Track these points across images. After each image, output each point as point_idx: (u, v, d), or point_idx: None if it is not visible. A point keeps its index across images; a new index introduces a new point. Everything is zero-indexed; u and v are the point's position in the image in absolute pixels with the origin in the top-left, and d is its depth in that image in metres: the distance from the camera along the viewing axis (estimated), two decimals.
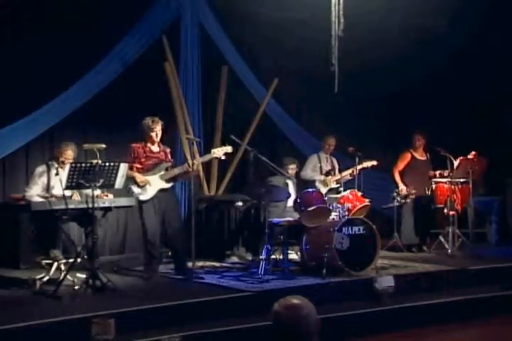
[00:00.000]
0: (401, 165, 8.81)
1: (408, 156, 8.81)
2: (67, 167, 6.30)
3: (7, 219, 7.26)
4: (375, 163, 8.45)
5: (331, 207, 7.23)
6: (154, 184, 6.77)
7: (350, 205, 7.44)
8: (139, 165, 6.77)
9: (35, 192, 6.61)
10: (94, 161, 6.04)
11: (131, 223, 8.22)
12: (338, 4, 6.87)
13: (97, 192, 6.38)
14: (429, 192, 8.70)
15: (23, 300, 5.77)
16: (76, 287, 5.94)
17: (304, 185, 8.27)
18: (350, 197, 7.63)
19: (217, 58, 8.78)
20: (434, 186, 8.67)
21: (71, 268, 6.05)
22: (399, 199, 8.51)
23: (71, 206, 6.14)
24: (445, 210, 8.50)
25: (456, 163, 8.34)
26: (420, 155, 8.88)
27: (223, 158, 7.05)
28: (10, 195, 7.33)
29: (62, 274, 6.03)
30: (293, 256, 7.61)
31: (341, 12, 6.88)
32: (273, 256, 7.15)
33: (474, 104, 10.37)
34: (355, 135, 9.57)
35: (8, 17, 7.37)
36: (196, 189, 7.66)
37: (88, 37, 7.64)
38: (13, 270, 7.00)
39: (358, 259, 6.87)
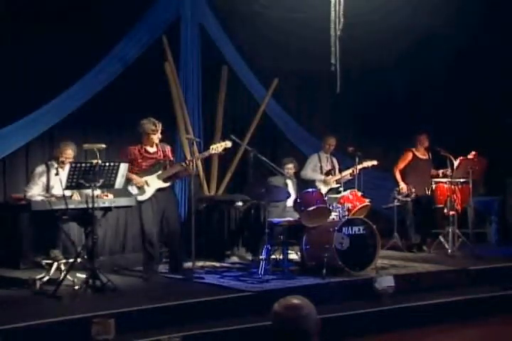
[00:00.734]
0: (402, 164, 8.80)
1: (410, 155, 8.79)
2: (67, 167, 6.31)
3: (7, 219, 7.26)
4: (375, 162, 8.45)
5: (331, 207, 7.23)
6: (152, 184, 6.77)
7: (350, 205, 7.44)
8: (135, 167, 6.77)
9: (35, 192, 6.61)
10: (94, 161, 6.04)
11: (131, 223, 8.22)
12: (338, 4, 6.88)
13: (97, 192, 6.38)
14: (429, 192, 8.70)
15: (23, 300, 5.77)
16: (76, 287, 5.94)
17: (304, 185, 8.27)
18: (350, 197, 7.62)
19: (217, 58, 8.78)
20: (434, 186, 8.67)
21: (71, 268, 6.05)
22: (399, 198, 8.51)
23: (71, 206, 6.14)
24: (445, 210, 8.50)
25: (456, 163, 8.33)
26: (422, 155, 8.86)
27: (223, 153, 7.03)
28: (10, 195, 7.32)
29: (62, 274, 6.03)
30: (293, 256, 7.61)
31: (341, 12, 6.88)
32: (273, 256, 7.15)
33: (474, 104, 10.38)
34: (355, 135, 9.56)
35: (8, 17, 7.36)
36: (196, 189, 7.65)
37: (88, 37, 7.64)
38: (13, 270, 7.00)
39: (358, 259, 6.87)
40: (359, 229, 6.97)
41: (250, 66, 9.01)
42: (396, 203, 8.53)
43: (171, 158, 7.03)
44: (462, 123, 10.30)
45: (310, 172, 8.52)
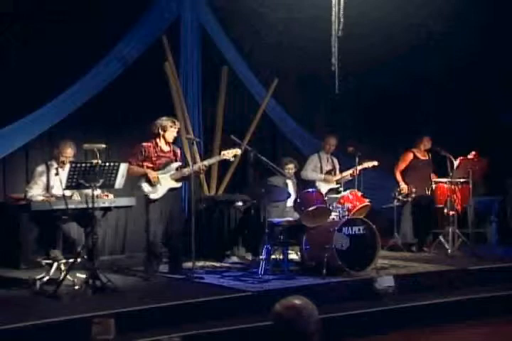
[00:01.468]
0: (402, 165, 8.80)
1: (410, 156, 8.79)
2: (67, 167, 6.30)
3: (7, 219, 7.26)
4: (375, 163, 8.44)
5: (331, 207, 7.23)
6: (165, 183, 6.77)
7: (350, 205, 7.44)
8: (149, 165, 6.77)
9: (36, 192, 6.60)
10: (94, 161, 6.04)
11: (131, 223, 8.22)
12: (338, 4, 6.88)
13: (97, 192, 6.38)
14: (429, 192, 8.70)
15: (23, 300, 5.77)
16: (76, 287, 5.95)
17: (304, 185, 8.27)
18: (350, 197, 7.62)
19: (217, 58, 8.78)
20: (434, 186, 8.67)
21: (71, 268, 6.04)
22: (400, 198, 8.51)
23: (71, 206, 6.14)
24: (445, 210, 8.49)
25: (456, 163, 8.33)
26: (422, 155, 8.86)
27: (232, 159, 7.06)
28: (10, 195, 7.32)
29: (62, 274, 6.02)
30: (293, 256, 7.61)
31: (341, 12, 6.88)
32: (273, 256, 7.14)
33: (474, 103, 10.37)
34: (355, 135, 9.56)
35: (8, 17, 7.36)
36: (196, 189, 7.65)
37: (88, 37, 7.64)
38: (13, 270, 7.01)
39: (358, 259, 6.87)
40: (359, 229, 6.97)
41: (250, 66, 9.01)
42: (396, 203, 8.53)
43: (180, 163, 7.03)
44: (462, 123, 10.30)
45: (310, 172, 8.52)
